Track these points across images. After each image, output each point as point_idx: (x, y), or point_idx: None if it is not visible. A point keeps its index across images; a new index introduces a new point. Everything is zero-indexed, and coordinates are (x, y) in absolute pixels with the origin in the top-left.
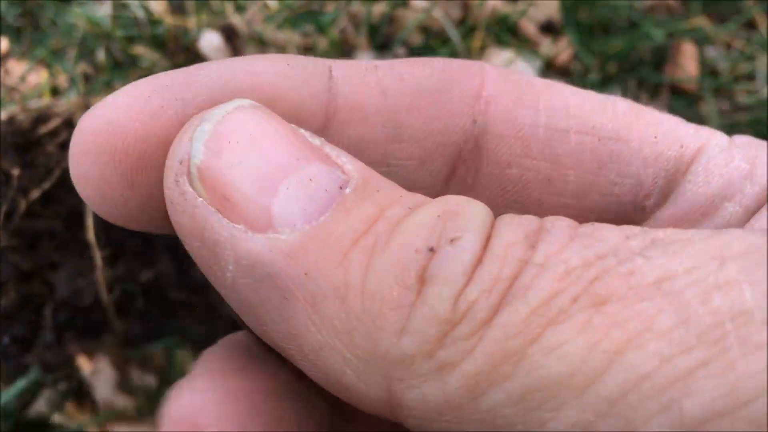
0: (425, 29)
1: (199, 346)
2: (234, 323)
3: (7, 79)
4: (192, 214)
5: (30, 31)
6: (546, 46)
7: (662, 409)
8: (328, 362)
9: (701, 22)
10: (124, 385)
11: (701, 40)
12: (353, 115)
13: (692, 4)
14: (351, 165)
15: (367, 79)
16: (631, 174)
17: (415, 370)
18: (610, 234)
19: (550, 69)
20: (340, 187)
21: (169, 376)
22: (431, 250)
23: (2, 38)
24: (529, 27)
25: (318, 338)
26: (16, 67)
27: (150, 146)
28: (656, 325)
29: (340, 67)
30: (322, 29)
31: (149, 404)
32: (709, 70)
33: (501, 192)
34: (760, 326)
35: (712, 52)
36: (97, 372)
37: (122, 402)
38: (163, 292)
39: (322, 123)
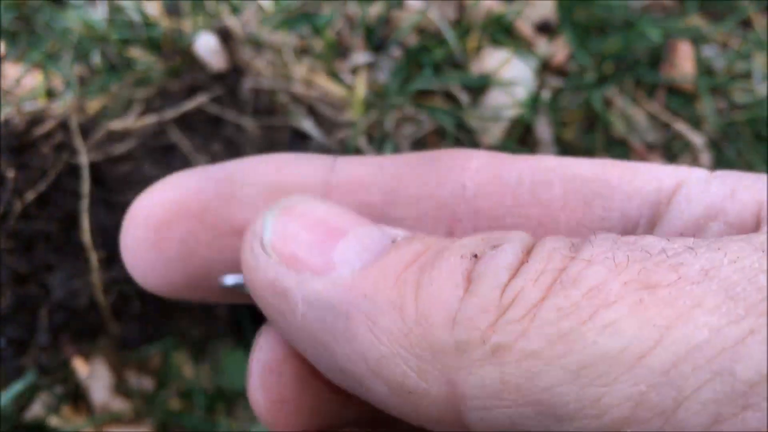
0: (421, 30)
1: (195, 348)
2: (229, 326)
3: (2, 82)
4: (265, 271)
5: (25, 35)
6: (542, 46)
7: (714, 376)
8: (391, 369)
9: (697, 21)
10: (120, 387)
11: (697, 39)
12: (352, 185)
13: (688, 3)
14: (401, 230)
15: (365, 161)
16: (616, 208)
17: (470, 356)
18: (652, 239)
19: (547, 69)
20: (393, 240)
21: (165, 379)
22: (475, 256)
23: None
24: (524, 27)
25: (380, 348)
26: (12, 70)
27: (195, 227)
28: (706, 302)
29: (344, 157)
30: (317, 31)
31: (146, 407)
32: (705, 69)
33: None
34: None
35: (708, 51)
36: (94, 375)
37: (119, 405)
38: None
39: (323, 192)
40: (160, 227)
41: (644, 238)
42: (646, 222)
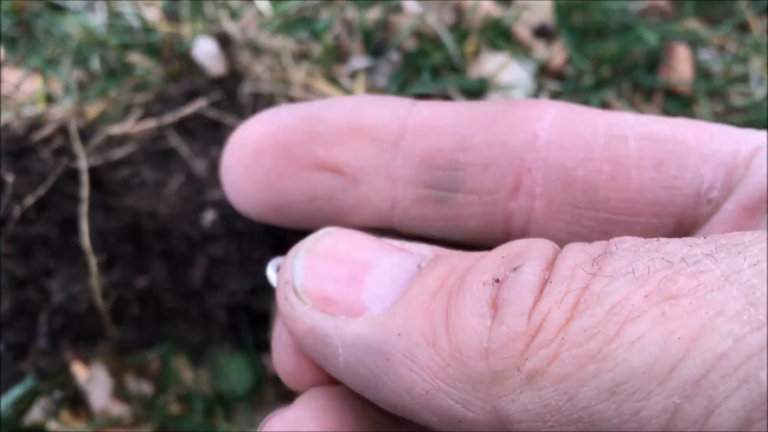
0: (419, 34)
1: (194, 352)
2: (227, 330)
3: (2, 87)
4: (302, 318)
5: (25, 40)
6: (540, 50)
7: (741, 384)
8: (437, 402)
9: (694, 24)
10: (119, 392)
11: (695, 42)
12: (426, 129)
13: (685, 7)
14: (427, 250)
15: (443, 106)
16: (690, 167)
17: (509, 384)
18: (675, 245)
19: (544, 73)
20: (418, 266)
21: (164, 383)
22: (497, 281)
23: None
24: (522, 31)
25: (423, 384)
26: (11, 75)
27: (281, 158)
28: (727, 309)
29: (424, 102)
30: (316, 35)
31: (145, 411)
32: (703, 73)
33: (569, 196)
34: None
35: (705, 54)
36: (93, 379)
37: (118, 409)
38: (158, 299)
39: (399, 135)
40: (251, 156)
41: (667, 244)
42: (722, 185)
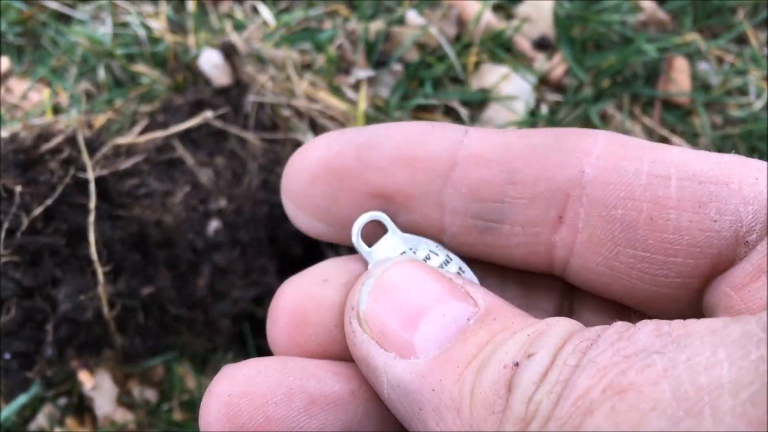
0: (421, 46)
1: (198, 360)
2: (231, 338)
3: (9, 97)
4: (360, 346)
5: (31, 50)
6: (540, 62)
7: None
8: None
9: (693, 37)
10: (124, 399)
11: (693, 54)
12: (477, 160)
13: (684, 20)
14: (482, 299)
15: (494, 136)
16: (730, 211)
17: None
18: (642, 336)
19: (545, 84)
20: (468, 319)
21: (168, 391)
22: (516, 364)
23: (4, 57)
24: (523, 43)
25: None
26: (18, 86)
27: (336, 184)
28: (659, 404)
29: (476, 129)
30: (319, 47)
31: (149, 418)
32: (701, 85)
33: (608, 233)
34: (728, 397)
35: (704, 66)
36: (98, 386)
37: (122, 416)
38: (163, 308)
39: (451, 165)
40: (309, 182)
41: (638, 332)
42: (761, 228)
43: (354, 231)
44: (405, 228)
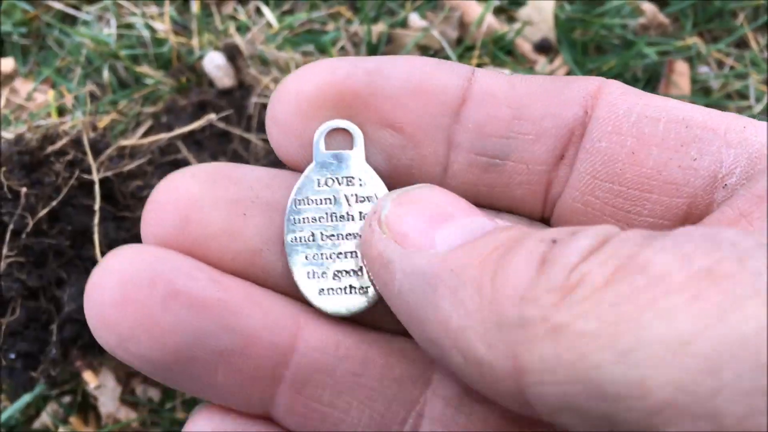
0: (423, 48)
1: None
2: None
3: (14, 98)
4: (376, 244)
5: (36, 51)
6: (541, 64)
7: (753, 370)
8: (465, 341)
9: (694, 40)
10: (127, 398)
11: (694, 58)
12: (485, 97)
13: (685, 24)
14: (505, 222)
15: (501, 77)
16: (712, 152)
17: (532, 332)
18: (731, 234)
19: None
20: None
21: (171, 390)
22: (554, 241)
23: (9, 58)
24: (524, 46)
25: (457, 320)
26: (23, 87)
27: (348, 104)
28: (763, 293)
29: (483, 70)
30: (322, 49)
31: (152, 417)
32: (701, 88)
33: (589, 165)
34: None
35: (704, 69)
36: (102, 386)
37: (126, 415)
38: None
39: (461, 101)
40: (306, 107)
41: (722, 232)
42: (741, 172)
43: (316, 137)
44: (410, 167)
